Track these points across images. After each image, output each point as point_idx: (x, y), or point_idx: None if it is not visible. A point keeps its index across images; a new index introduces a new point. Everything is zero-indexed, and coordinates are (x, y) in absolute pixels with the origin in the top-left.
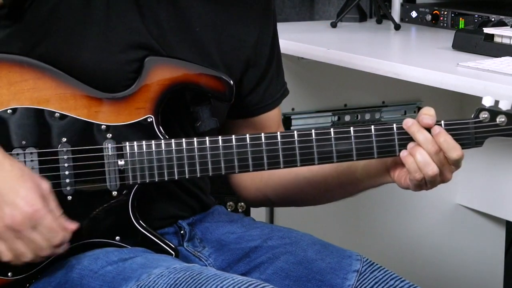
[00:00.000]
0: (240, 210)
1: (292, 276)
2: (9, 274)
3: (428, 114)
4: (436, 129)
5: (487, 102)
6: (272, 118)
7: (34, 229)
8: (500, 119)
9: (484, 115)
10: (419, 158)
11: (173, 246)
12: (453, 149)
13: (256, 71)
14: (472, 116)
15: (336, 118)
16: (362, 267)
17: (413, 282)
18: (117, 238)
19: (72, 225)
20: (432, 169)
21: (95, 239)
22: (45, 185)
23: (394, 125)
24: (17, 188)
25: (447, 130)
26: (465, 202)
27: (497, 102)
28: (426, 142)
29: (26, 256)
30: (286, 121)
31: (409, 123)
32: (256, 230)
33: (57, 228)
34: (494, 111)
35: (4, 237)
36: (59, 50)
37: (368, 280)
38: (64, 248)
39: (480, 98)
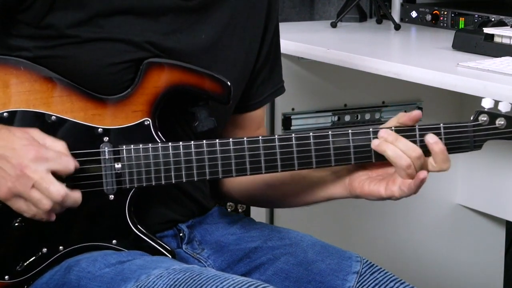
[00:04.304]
0: (240, 210)
1: (292, 277)
2: (6, 277)
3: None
4: (433, 138)
5: (487, 104)
6: (255, 117)
7: (44, 164)
8: (500, 122)
9: (483, 118)
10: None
11: (169, 249)
12: (445, 162)
13: (259, 64)
14: (471, 119)
15: (336, 118)
16: (362, 268)
17: (413, 282)
18: (114, 241)
19: (75, 161)
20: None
21: (92, 243)
22: (34, 130)
23: (371, 129)
24: (11, 142)
25: (446, 134)
26: (465, 202)
27: (496, 103)
28: (397, 157)
29: (43, 202)
30: (286, 121)
31: (375, 143)
32: (256, 231)
33: (63, 154)
34: (493, 114)
35: (20, 189)
36: (60, 59)
37: (368, 282)
38: (76, 200)
39: (480, 98)
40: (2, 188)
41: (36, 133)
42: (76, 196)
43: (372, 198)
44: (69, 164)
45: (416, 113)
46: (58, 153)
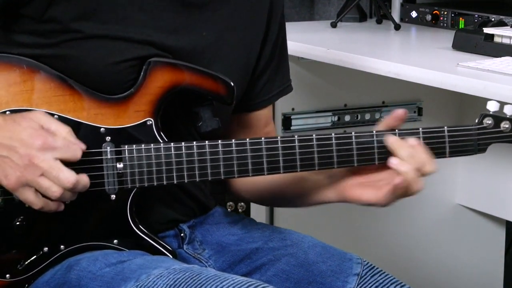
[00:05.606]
0: (240, 210)
1: (293, 278)
2: (7, 276)
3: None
4: (414, 141)
5: (492, 107)
6: (262, 116)
7: (52, 152)
8: (504, 125)
9: (488, 121)
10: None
11: (170, 249)
12: (429, 163)
13: (261, 64)
14: (476, 122)
15: (336, 118)
16: (363, 270)
17: (413, 282)
18: (115, 241)
19: (82, 145)
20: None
21: (93, 242)
22: (38, 113)
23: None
24: (18, 132)
25: (450, 137)
26: (465, 202)
27: (502, 106)
28: (409, 158)
29: (53, 189)
30: (286, 121)
31: (390, 140)
32: (257, 231)
33: (70, 142)
34: (498, 117)
35: (28, 178)
36: (63, 58)
37: (369, 284)
38: (85, 184)
39: (480, 98)
40: (11, 177)
41: (41, 117)
42: (85, 180)
43: (360, 204)
44: (76, 151)
45: (399, 112)
46: (65, 141)
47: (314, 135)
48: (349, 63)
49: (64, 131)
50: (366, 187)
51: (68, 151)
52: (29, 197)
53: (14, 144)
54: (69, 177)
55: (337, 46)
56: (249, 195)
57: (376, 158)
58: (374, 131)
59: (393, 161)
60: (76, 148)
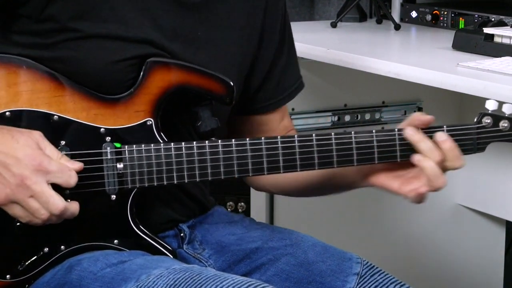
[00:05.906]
0: (240, 210)
1: (292, 278)
2: (7, 276)
3: (420, 115)
4: (442, 136)
5: (491, 106)
6: (276, 115)
7: (46, 176)
8: (503, 124)
9: (487, 120)
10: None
11: (170, 249)
12: (458, 159)
13: (265, 63)
14: (475, 121)
15: (336, 118)
16: (363, 270)
17: (413, 282)
18: (116, 241)
19: (76, 164)
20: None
21: (94, 243)
22: (36, 133)
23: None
24: (14, 149)
25: (449, 136)
26: (465, 202)
27: (500, 105)
28: (430, 151)
29: (41, 212)
30: None
31: (409, 132)
32: (257, 231)
33: (65, 168)
34: (497, 116)
35: (18, 197)
36: (62, 58)
37: (368, 283)
38: (73, 212)
39: (480, 98)
40: (0, 193)
41: (39, 138)
42: (73, 208)
43: (384, 190)
44: (70, 178)
45: (429, 118)
46: (60, 165)
47: (314, 134)
48: (349, 63)
49: (59, 155)
50: (393, 178)
51: (62, 176)
52: (17, 212)
53: (8, 161)
54: (58, 204)
55: (337, 46)
56: (278, 189)
57: (398, 156)
58: (396, 129)
59: (416, 157)
60: (70, 175)
